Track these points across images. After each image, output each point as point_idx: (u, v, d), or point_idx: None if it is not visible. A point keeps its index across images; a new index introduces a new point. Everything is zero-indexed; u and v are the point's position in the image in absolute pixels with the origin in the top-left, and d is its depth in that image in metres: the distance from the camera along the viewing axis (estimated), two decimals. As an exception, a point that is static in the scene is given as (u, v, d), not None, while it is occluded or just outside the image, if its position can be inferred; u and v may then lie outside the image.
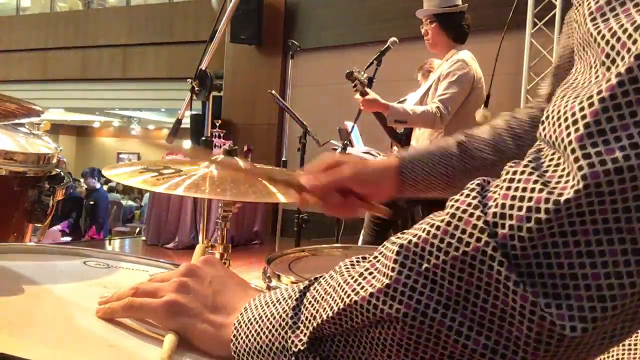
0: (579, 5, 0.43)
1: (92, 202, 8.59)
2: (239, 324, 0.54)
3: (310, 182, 0.90)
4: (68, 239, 7.88)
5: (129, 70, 12.40)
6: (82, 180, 8.79)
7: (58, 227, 8.08)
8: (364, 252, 1.45)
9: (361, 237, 3.37)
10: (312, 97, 6.93)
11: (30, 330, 0.57)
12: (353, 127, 3.70)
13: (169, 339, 0.55)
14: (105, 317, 0.60)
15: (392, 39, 3.35)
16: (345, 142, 3.64)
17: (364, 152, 4.38)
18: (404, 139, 3.52)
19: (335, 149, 3.91)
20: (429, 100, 3.19)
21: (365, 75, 3.09)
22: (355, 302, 0.45)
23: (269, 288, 1.00)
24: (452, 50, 3.22)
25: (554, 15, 5.24)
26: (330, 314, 0.47)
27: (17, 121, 1.44)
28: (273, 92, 3.99)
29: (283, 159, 4.85)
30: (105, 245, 6.82)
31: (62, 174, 1.42)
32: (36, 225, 1.38)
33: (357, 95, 3.09)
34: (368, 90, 3.07)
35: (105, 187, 10.36)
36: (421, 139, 3.25)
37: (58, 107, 15.68)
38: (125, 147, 20.83)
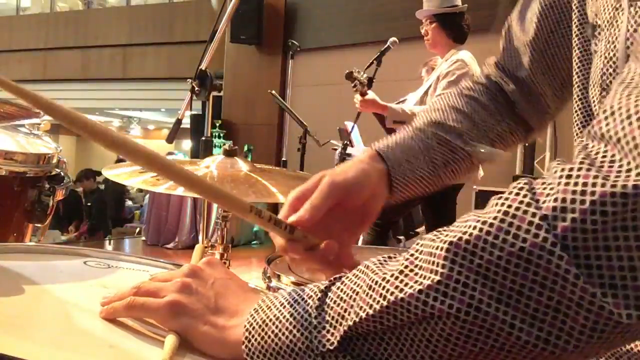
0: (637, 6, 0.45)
1: (89, 204, 8.59)
2: (250, 325, 0.53)
3: (294, 218, 0.69)
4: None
5: (129, 70, 12.41)
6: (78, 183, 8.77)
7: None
8: (364, 252, 1.45)
9: (361, 237, 3.37)
10: (312, 97, 6.93)
11: (30, 330, 0.57)
12: (353, 127, 3.70)
13: (170, 340, 0.55)
14: (107, 317, 0.60)
15: (392, 39, 3.35)
16: (345, 142, 3.65)
17: (364, 152, 4.38)
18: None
19: (335, 149, 3.91)
20: (429, 100, 3.19)
21: (365, 75, 3.09)
22: (402, 299, 0.45)
23: (269, 288, 1.00)
24: (452, 50, 3.22)
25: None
26: (371, 312, 0.47)
27: (16, 122, 1.44)
28: (273, 92, 4.00)
29: (283, 159, 4.86)
30: (105, 245, 6.82)
31: (62, 174, 1.42)
32: (36, 225, 1.38)
33: (357, 96, 3.09)
34: (367, 90, 3.07)
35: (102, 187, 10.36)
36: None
37: (58, 107, 15.65)
38: (125, 147, 20.79)
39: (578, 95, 0.68)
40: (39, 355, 0.50)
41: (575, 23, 0.70)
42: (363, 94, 3.05)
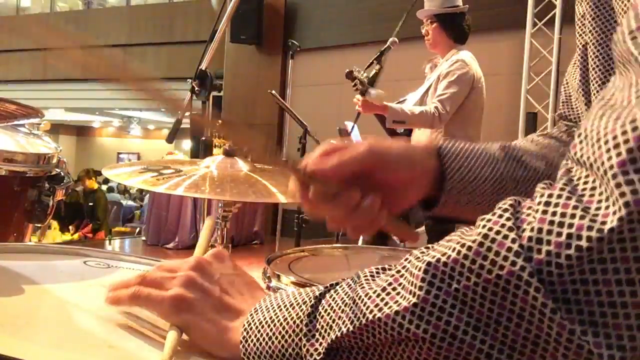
0: (619, 24, 0.42)
1: (90, 204, 8.59)
2: (249, 326, 0.53)
3: (317, 165, 0.65)
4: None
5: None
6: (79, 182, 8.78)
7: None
8: (364, 252, 1.45)
9: (361, 237, 3.37)
10: (312, 97, 6.93)
11: (30, 330, 0.57)
12: (353, 127, 3.69)
13: (170, 340, 0.55)
14: (112, 304, 0.60)
15: (392, 39, 3.35)
16: (345, 142, 3.64)
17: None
18: (404, 139, 3.52)
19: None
20: (429, 100, 3.19)
21: (365, 74, 3.09)
22: (379, 318, 0.44)
23: (268, 288, 1.00)
24: (453, 50, 3.22)
25: (554, 15, 5.23)
26: (351, 328, 0.46)
27: (16, 122, 1.44)
28: (273, 92, 3.99)
29: (283, 159, 4.85)
30: (105, 245, 6.82)
31: (62, 174, 1.42)
32: (36, 225, 1.38)
33: (358, 95, 3.09)
34: (372, 90, 3.06)
35: (104, 187, 10.36)
36: (421, 139, 3.25)
37: (58, 107, 15.68)
38: (125, 147, 20.83)
39: (594, 94, 0.67)
40: (39, 355, 0.50)
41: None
42: (363, 94, 3.05)
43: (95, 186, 8.88)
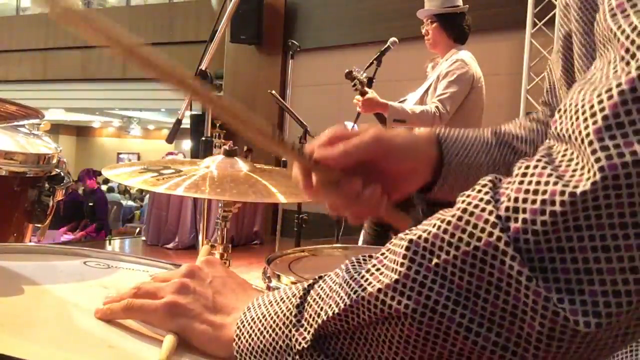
0: (600, 3, 0.43)
1: (91, 204, 8.59)
2: (241, 323, 0.53)
3: (322, 152, 0.64)
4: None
5: (129, 70, 12.39)
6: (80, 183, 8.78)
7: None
8: (364, 252, 1.45)
9: (361, 237, 3.37)
10: (312, 97, 6.93)
11: (30, 330, 0.57)
12: (353, 127, 3.69)
13: (169, 340, 0.55)
14: (104, 318, 0.60)
15: (392, 39, 3.35)
16: (345, 142, 3.64)
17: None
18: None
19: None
20: (429, 99, 3.19)
21: (365, 74, 3.09)
22: (362, 297, 0.44)
23: (269, 288, 1.00)
24: (453, 50, 3.22)
25: (554, 15, 5.23)
26: (337, 311, 0.46)
27: (16, 123, 1.44)
28: (273, 92, 3.99)
29: (283, 159, 4.85)
30: (105, 245, 6.82)
31: (62, 174, 1.42)
32: (36, 225, 1.38)
33: (357, 95, 3.09)
34: (367, 89, 3.07)
35: (104, 187, 10.36)
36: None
37: (58, 107, 15.68)
38: (125, 147, 20.83)
39: None
40: (39, 355, 0.50)
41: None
42: (363, 94, 3.05)
43: (95, 186, 8.88)
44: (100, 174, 8.30)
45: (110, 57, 12.50)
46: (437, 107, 3.02)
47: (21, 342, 0.53)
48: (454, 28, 3.23)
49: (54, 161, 1.40)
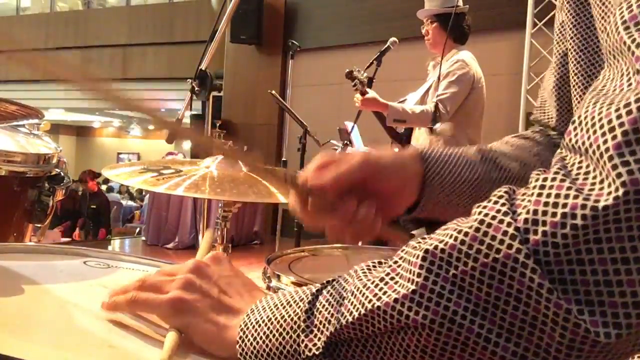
0: (610, 14, 0.43)
1: (94, 206, 8.59)
2: (245, 326, 0.53)
3: (315, 179, 0.67)
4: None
5: (129, 70, 12.40)
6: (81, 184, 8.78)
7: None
8: (364, 252, 1.44)
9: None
10: (312, 97, 6.93)
11: (30, 330, 0.57)
12: (353, 127, 3.70)
13: (170, 339, 0.55)
14: (110, 310, 0.60)
15: (392, 39, 3.35)
16: (345, 142, 3.65)
17: (364, 152, 4.38)
18: (404, 139, 3.52)
19: (336, 149, 3.92)
20: (429, 100, 3.19)
21: (365, 74, 3.09)
22: (378, 307, 0.44)
23: (269, 288, 1.00)
24: (453, 50, 3.22)
25: (554, 15, 5.22)
26: (350, 319, 0.46)
27: (16, 123, 1.44)
28: (273, 92, 3.99)
29: (283, 159, 4.85)
30: (106, 246, 6.82)
31: (62, 174, 1.42)
32: (36, 225, 1.38)
33: (357, 95, 3.09)
34: (368, 89, 3.07)
35: (104, 187, 10.36)
36: (421, 139, 3.26)
37: (58, 107, 15.68)
38: (125, 147, 20.84)
39: (577, 106, 0.68)
40: (39, 355, 0.50)
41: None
42: (363, 93, 3.05)
43: (96, 188, 8.88)
44: (99, 175, 8.31)
45: (111, 57, 12.53)
46: (437, 107, 3.02)
47: (21, 342, 0.53)
48: (454, 28, 3.23)
49: (54, 161, 1.40)
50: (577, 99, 0.69)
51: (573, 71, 0.69)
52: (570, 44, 0.69)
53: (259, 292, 0.61)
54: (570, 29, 0.69)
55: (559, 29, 0.78)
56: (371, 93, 3.07)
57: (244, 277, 0.63)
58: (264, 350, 0.51)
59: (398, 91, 3.65)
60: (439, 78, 3.16)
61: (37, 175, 1.33)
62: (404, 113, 3.07)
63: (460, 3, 3.27)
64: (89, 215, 8.56)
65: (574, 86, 0.69)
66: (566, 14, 0.72)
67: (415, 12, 3.39)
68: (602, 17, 0.59)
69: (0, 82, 13.27)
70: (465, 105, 3.13)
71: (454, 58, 3.15)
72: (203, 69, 1.93)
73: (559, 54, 0.79)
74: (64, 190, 1.40)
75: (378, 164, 0.69)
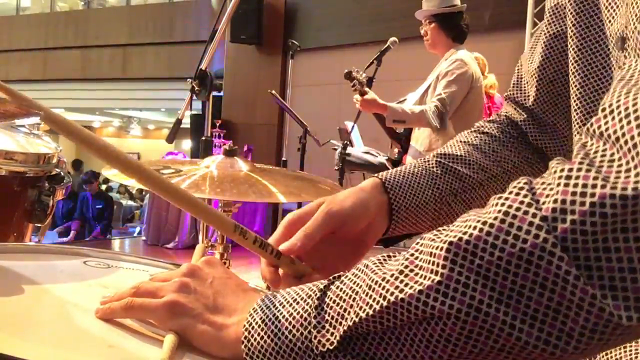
0: (621, 2, 0.44)
1: (99, 207, 8.57)
2: (249, 325, 0.53)
3: (285, 244, 0.68)
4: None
5: (129, 70, 12.40)
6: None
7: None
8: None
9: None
10: (312, 97, 6.94)
11: (30, 330, 0.57)
12: (353, 127, 3.70)
13: (169, 340, 0.55)
14: (104, 317, 0.60)
15: (392, 39, 3.36)
16: (345, 142, 3.65)
17: (364, 152, 4.39)
18: (403, 139, 3.53)
19: (335, 149, 3.92)
20: (428, 99, 3.19)
21: (365, 75, 3.10)
22: (402, 299, 0.45)
23: (268, 288, 1.00)
24: (452, 49, 3.23)
25: (554, 15, 5.23)
26: (371, 312, 0.47)
27: (16, 122, 1.44)
28: (273, 92, 4.00)
29: (283, 158, 4.86)
30: (105, 246, 6.82)
31: (62, 173, 1.42)
32: (36, 225, 1.38)
33: (357, 96, 3.09)
34: (367, 90, 3.07)
35: (103, 187, 10.36)
36: (421, 139, 3.26)
37: (58, 107, 15.67)
38: (125, 147, 20.83)
39: (576, 94, 0.68)
40: (39, 355, 0.50)
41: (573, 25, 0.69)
42: (362, 94, 3.05)
43: (97, 190, 8.87)
44: (99, 175, 8.31)
45: (111, 56, 12.54)
46: (436, 106, 3.03)
47: (21, 342, 0.53)
48: (453, 28, 3.23)
49: (54, 161, 1.40)
50: (575, 84, 0.69)
51: (572, 57, 0.69)
52: (571, 30, 0.69)
53: (254, 292, 0.61)
54: (572, 15, 0.69)
55: (552, 11, 0.79)
56: (370, 94, 3.07)
57: (237, 278, 0.63)
58: (273, 349, 0.51)
59: (398, 91, 3.66)
60: (437, 78, 3.17)
61: (37, 175, 1.33)
62: (403, 113, 3.07)
63: (458, 2, 3.27)
64: (95, 216, 8.55)
65: (573, 73, 0.69)
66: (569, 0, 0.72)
67: (414, 12, 3.39)
68: (610, 6, 0.59)
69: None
70: (464, 104, 3.14)
71: (453, 57, 3.16)
72: (203, 68, 1.93)
73: (549, 34, 0.79)
74: (64, 190, 1.40)
75: (341, 212, 0.71)
